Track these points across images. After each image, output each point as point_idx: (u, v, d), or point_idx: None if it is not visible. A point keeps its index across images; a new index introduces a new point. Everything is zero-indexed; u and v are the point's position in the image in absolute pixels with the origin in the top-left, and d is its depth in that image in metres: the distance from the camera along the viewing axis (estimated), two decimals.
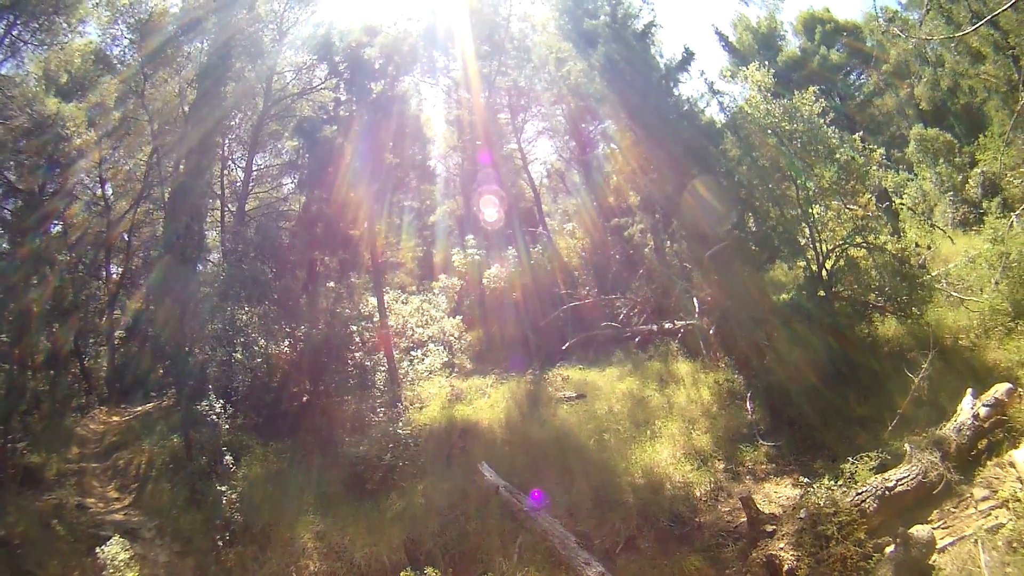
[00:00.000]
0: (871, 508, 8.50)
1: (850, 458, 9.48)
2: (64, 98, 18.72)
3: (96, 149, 21.58)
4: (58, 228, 21.87)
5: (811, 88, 14.68)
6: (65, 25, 19.13)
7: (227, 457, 12.88)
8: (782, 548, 8.20)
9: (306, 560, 10.72)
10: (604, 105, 18.43)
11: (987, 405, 9.74)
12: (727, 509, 9.98)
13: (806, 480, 9.58)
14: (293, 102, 20.62)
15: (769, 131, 14.45)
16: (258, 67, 19.59)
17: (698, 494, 10.31)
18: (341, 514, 11.55)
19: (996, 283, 12.54)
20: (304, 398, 15.00)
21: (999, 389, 10.02)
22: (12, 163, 19.79)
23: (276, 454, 13.73)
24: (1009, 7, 13.97)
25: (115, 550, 10.40)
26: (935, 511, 8.70)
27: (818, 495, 8.55)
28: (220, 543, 11.57)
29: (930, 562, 7.78)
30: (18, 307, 19.16)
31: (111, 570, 10.19)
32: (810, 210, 14.24)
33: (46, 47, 19.35)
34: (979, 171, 20.64)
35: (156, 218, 23.97)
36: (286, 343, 15.24)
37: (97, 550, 10.51)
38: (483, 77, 21.89)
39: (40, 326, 20.91)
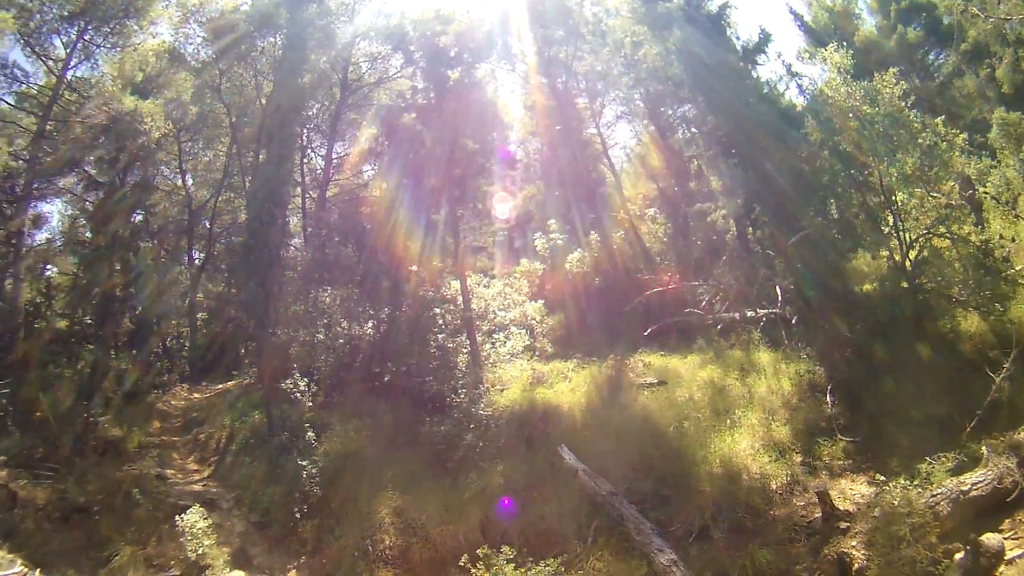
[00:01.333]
0: (944, 511, 8.44)
1: (927, 458, 9.37)
2: (141, 96, 19.64)
3: (175, 142, 22.56)
4: (140, 218, 22.82)
5: (891, 70, 14.42)
6: (136, 27, 20.29)
7: (309, 433, 13.34)
8: (854, 546, 8.25)
9: (382, 535, 11.17)
10: (682, 89, 18.42)
11: None
12: (802, 503, 9.96)
13: (882, 478, 9.47)
14: (370, 91, 21.30)
15: (850, 115, 14.20)
16: (332, 58, 20.24)
17: (774, 486, 10.29)
18: (419, 491, 11.98)
19: None
20: (386, 378, 15.51)
21: None
22: (91, 158, 20.98)
23: (356, 432, 14.20)
24: None
25: (194, 519, 10.95)
26: (1007, 520, 8.62)
27: (893, 494, 8.50)
28: (297, 515, 12.15)
29: (997, 573, 7.76)
30: (102, 291, 20.32)
31: (189, 538, 10.72)
32: (893, 197, 14.00)
33: (119, 49, 20.21)
34: None
35: (237, 206, 24.95)
36: (369, 325, 15.72)
37: (176, 518, 11.08)
38: (559, 62, 22.00)
39: (124, 309, 22.12)
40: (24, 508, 11.94)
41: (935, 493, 8.64)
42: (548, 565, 8.91)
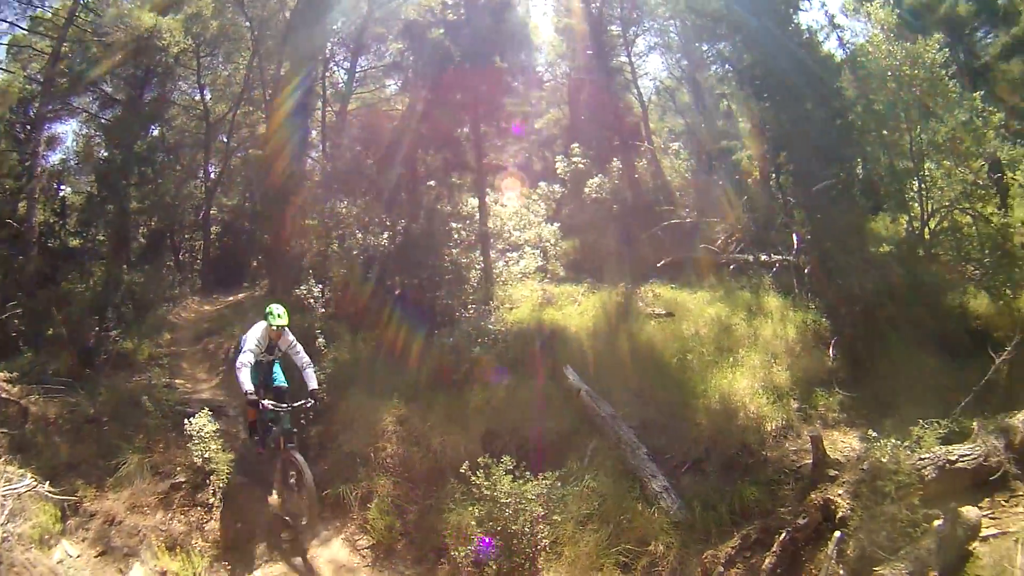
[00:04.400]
0: (929, 476, 8.70)
1: (920, 421, 9.53)
2: (160, 13, 19.82)
3: (194, 57, 22.79)
4: (156, 132, 23.11)
5: (936, 35, 14.49)
6: None
7: (319, 340, 13.62)
8: (840, 495, 8.60)
9: (385, 443, 11.63)
10: (721, 25, 18.21)
11: None
12: (793, 448, 10.39)
13: (874, 434, 9.56)
14: (398, 6, 21.07)
15: (889, 73, 14.37)
16: None
17: (769, 428, 10.71)
18: (423, 403, 12.48)
19: None
20: (397, 291, 15.83)
21: None
22: (109, 76, 21.31)
23: (365, 342, 14.65)
24: None
25: (201, 422, 11.19)
26: (986, 499, 8.88)
27: (883, 451, 8.75)
28: (303, 422, 12.18)
29: (971, 547, 8.01)
30: (116, 206, 20.80)
31: (196, 441, 10.99)
32: (922, 164, 14.19)
33: None
34: None
35: (255, 119, 25.06)
36: (384, 236, 15.98)
37: (185, 422, 11.35)
38: None
39: (137, 223, 22.58)
40: (35, 423, 12.31)
41: (923, 457, 8.87)
42: (545, 479, 9.26)
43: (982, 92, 14.92)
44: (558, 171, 20.81)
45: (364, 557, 10.17)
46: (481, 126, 16.71)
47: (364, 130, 18.78)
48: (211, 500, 10.85)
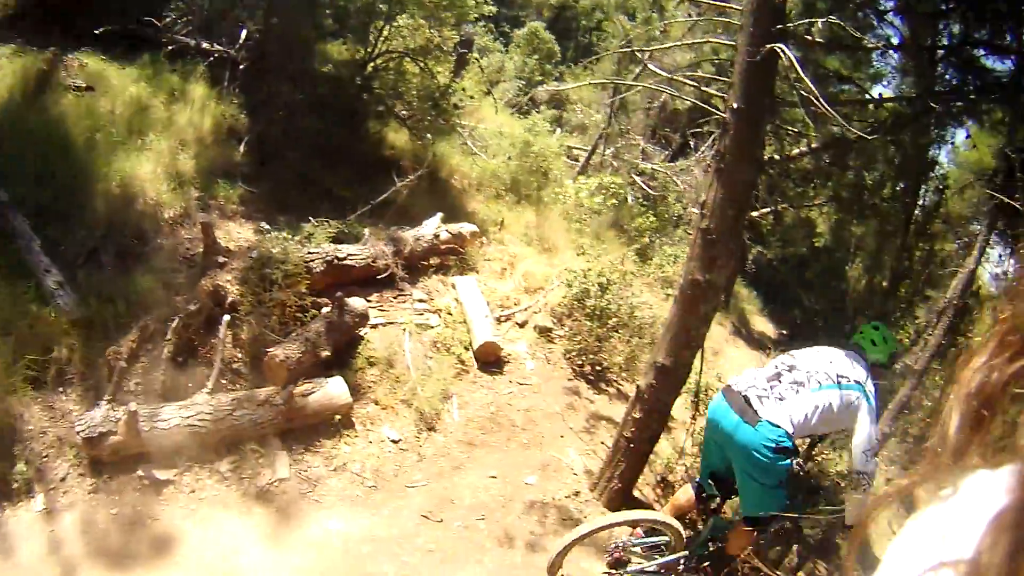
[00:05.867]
0: (318, 269, 9.87)
1: (312, 219, 10.92)
2: None
3: None
4: None
5: None
6: None
7: None
8: (229, 281, 9.16)
9: None
10: None
11: (449, 232, 11.98)
12: (189, 237, 10.63)
13: (267, 227, 10.76)
14: None
15: None
16: None
17: (167, 215, 10.77)
18: None
19: (509, 158, 15.46)
20: None
21: (465, 226, 12.41)
22: None
23: None
24: None
25: None
26: (376, 294, 10.55)
27: (273, 243, 9.63)
28: None
29: (360, 332, 9.52)
30: None
31: None
32: (397, 13, 15.30)
33: None
34: (555, 84, 23.44)
35: None
36: None
37: None
38: None
39: None
40: None
41: (312, 251, 10.01)
42: None
43: None
44: None
45: None
46: None
47: None
48: None
